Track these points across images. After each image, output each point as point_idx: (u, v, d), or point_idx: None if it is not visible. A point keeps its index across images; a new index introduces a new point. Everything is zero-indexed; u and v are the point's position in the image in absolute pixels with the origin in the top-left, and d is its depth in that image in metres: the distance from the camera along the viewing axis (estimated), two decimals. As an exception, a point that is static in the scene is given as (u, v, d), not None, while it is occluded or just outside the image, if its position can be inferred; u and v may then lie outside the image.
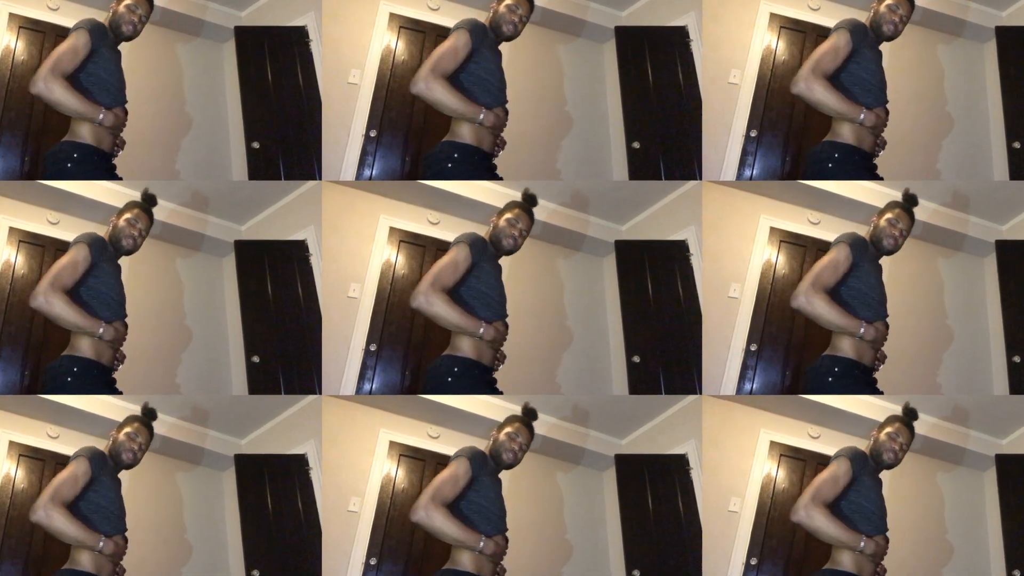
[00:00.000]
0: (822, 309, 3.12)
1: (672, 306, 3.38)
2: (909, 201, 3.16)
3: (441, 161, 3.24)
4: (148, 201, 3.24)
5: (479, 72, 3.23)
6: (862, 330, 3.12)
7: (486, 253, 3.25)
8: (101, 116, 3.20)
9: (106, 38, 3.18)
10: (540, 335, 3.39)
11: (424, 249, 3.39)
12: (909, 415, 3.13)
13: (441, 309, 3.15)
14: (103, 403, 3.23)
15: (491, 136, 3.25)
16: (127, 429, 3.12)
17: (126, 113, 3.25)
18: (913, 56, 3.40)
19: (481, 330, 3.17)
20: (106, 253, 3.16)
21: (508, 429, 3.12)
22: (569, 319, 3.41)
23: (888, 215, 3.18)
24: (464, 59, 3.27)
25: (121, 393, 3.22)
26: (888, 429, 3.13)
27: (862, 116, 3.15)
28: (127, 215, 3.19)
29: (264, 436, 3.33)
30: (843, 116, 3.17)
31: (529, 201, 3.19)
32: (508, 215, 3.17)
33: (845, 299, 3.21)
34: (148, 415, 3.18)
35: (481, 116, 3.18)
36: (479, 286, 3.21)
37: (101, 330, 3.19)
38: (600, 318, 3.43)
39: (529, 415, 3.17)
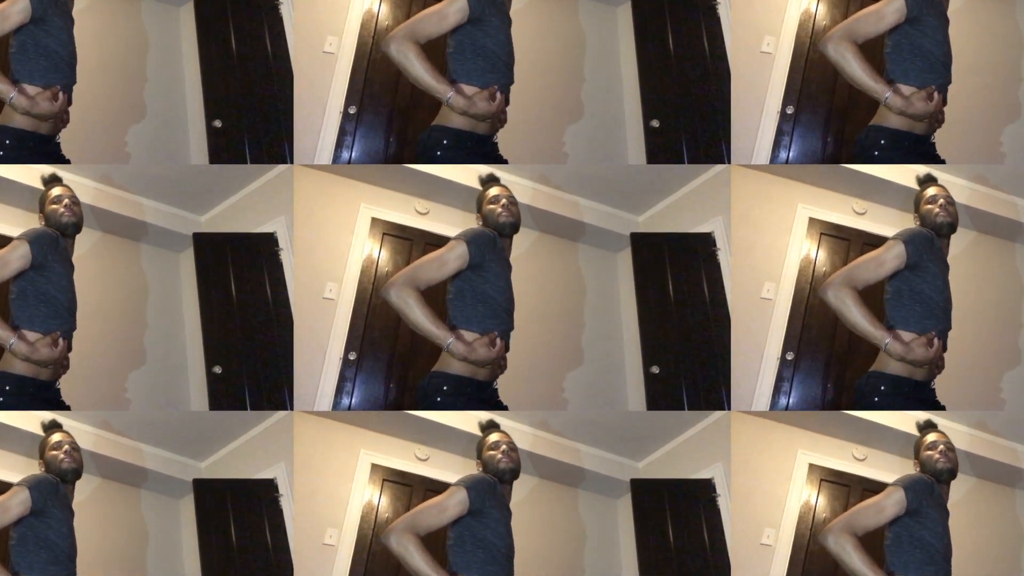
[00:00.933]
0: (848, 308, 2.87)
1: (696, 308, 3.16)
2: (928, 179, 2.95)
3: (429, 149, 2.99)
4: (52, 179, 2.99)
5: (486, 43, 2.90)
6: (887, 342, 2.86)
7: (494, 251, 2.93)
8: (13, 96, 2.95)
9: (56, 2, 2.92)
10: (545, 342, 3.18)
11: (411, 243, 3.15)
12: (928, 426, 2.93)
13: (409, 308, 2.84)
14: (37, 420, 2.99)
15: (488, 117, 2.97)
16: (49, 441, 2.89)
17: (68, 95, 2.98)
18: (973, 22, 3.15)
19: (449, 342, 2.86)
20: (57, 251, 2.91)
21: (488, 442, 2.89)
22: (577, 324, 3.21)
23: (926, 195, 2.94)
24: (454, 26, 2.94)
25: (69, 408, 2.99)
26: (925, 442, 2.91)
27: (887, 96, 2.90)
28: (49, 197, 2.94)
29: (227, 458, 3.13)
30: (866, 90, 2.93)
31: (491, 180, 2.93)
32: (487, 197, 2.91)
33: (895, 302, 2.93)
34: (52, 426, 2.96)
35: (449, 96, 2.88)
36: (487, 288, 2.89)
37: (12, 341, 2.91)
38: (613, 322, 3.23)
39: (489, 426, 2.96)
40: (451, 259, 2.92)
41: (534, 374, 3.17)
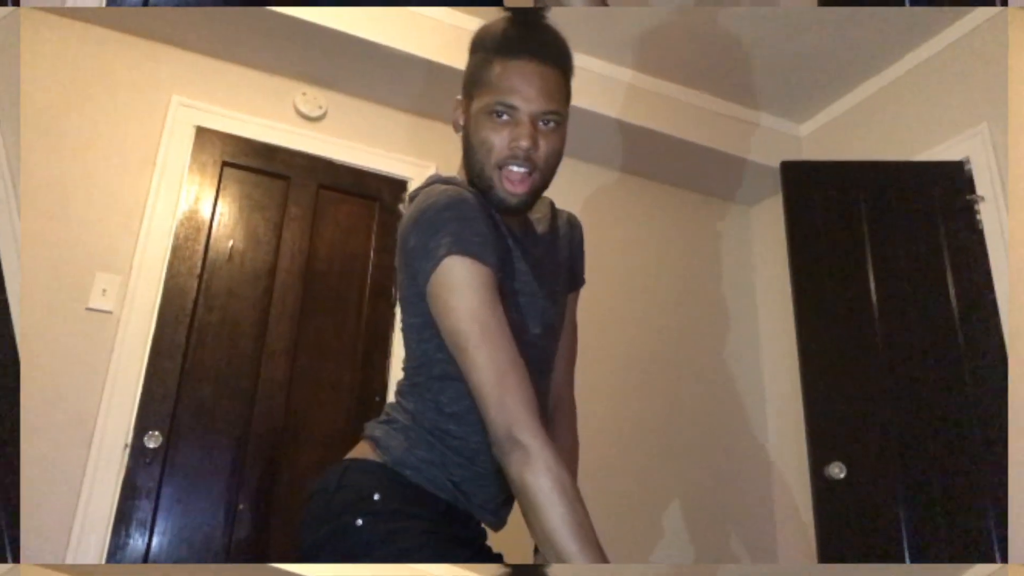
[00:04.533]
0: None
1: (930, 325, 1.67)
2: None
3: None
4: None
5: None
6: None
7: (497, 232, 1.13)
8: None
9: None
10: (599, 404, 1.76)
11: (287, 183, 1.88)
12: None
13: (566, 497, 0.96)
14: None
15: None
16: None
17: None
18: None
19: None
20: None
21: None
22: (668, 361, 1.84)
23: None
24: None
25: None
26: None
27: None
28: None
29: None
30: None
31: (531, 30, 1.08)
32: (495, 91, 1.05)
33: None
34: None
35: None
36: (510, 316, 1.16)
37: None
38: (746, 359, 1.86)
39: None
40: (491, 295, 1.13)
41: (594, 480, 1.81)
